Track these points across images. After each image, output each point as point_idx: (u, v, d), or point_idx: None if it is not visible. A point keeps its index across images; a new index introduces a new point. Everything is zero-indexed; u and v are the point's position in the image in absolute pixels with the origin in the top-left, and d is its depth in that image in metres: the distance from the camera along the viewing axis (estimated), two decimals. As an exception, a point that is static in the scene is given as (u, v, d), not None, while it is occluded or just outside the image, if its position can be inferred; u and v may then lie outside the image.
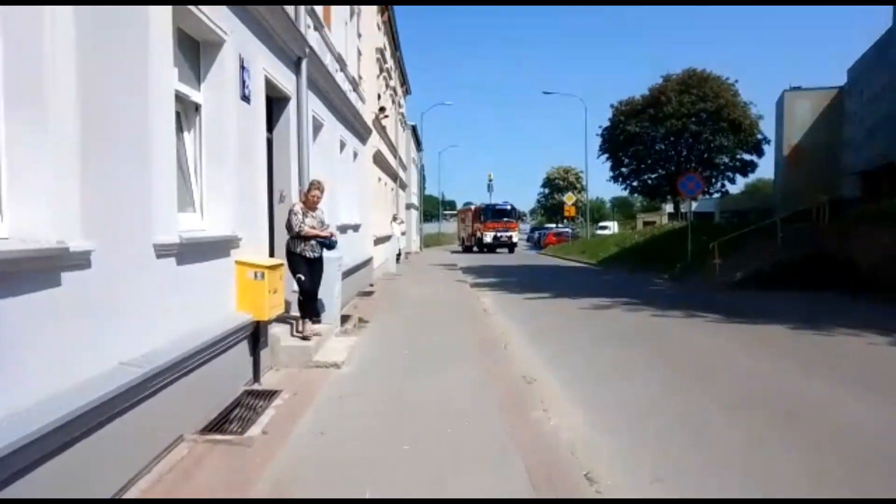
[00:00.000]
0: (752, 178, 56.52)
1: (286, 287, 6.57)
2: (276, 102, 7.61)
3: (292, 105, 7.75)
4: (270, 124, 7.51)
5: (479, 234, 40.22)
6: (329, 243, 7.05)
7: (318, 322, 7.25)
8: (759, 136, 46.18)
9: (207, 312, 4.86)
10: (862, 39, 79.08)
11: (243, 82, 5.84)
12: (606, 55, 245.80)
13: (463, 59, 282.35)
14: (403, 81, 29.69)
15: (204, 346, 4.42)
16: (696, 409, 5.52)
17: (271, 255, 6.97)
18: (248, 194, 5.98)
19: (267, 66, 6.68)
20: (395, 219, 22.94)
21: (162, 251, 4.10)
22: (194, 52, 5.32)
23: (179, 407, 4.12)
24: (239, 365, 5.45)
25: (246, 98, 5.93)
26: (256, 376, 5.75)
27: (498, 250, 39.36)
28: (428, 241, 50.10)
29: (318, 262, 7.12)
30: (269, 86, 6.89)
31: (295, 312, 7.08)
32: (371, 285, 14.79)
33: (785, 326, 9.86)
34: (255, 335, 5.75)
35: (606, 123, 49.74)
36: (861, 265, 14.50)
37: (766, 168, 73.30)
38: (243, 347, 5.52)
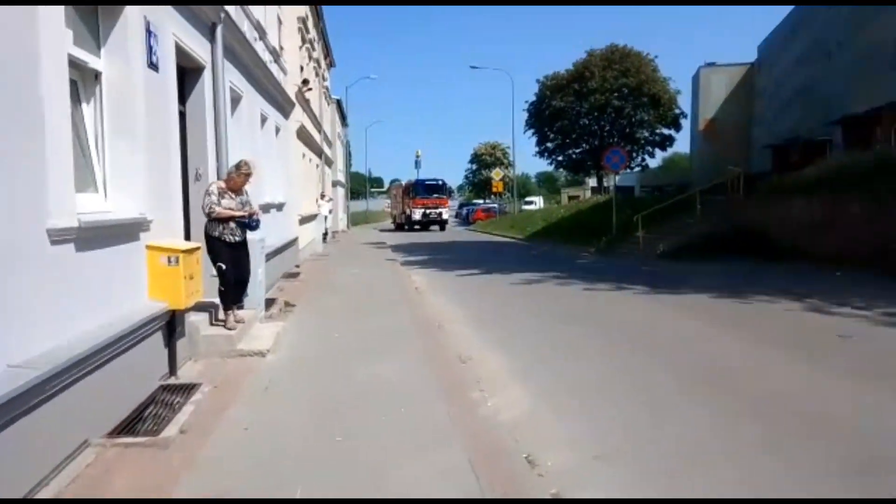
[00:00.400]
0: (669, 152, 58.68)
1: (205, 271, 6.13)
2: (188, 72, 7.03)
3: (207, 75, 7.19)
4: (183, 96, 6.94)
5: (408, 211, 38.77)
6: (250, 223, 6.53)
7: (241, 308, 6.82)
8: (677, 111, 47.82)
9: (115, 303, 4.42)
10: (771, 15, 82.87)
11: (150, 48, 5.30)
12: (533, 28, 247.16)
13: (388, 33, 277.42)
14: (327, 53, 28.70)
15: (110, 340, 4.00)
16: (633, 381, 5.55)
17: (187, 238, 6.48)
18: (158, 172, 5.48)
19: (177, 31, 6.12)
20: (322, 197, 22.30)
21: (57, 237, 3.64)
22: (92, 12, 4.76)
23: (83, 409, 3.71)
24: (153, 358, 5.02)
25: (154, 66, 5.39)
26: (173, 369, 5.33)
27: (431, 228, 38.12)
28: (356, 220, 49.33)
29: (242, 246, 6.58)
30: (181, 53, 6.34)
31: (213, 299, 6.63)
32: (297, 267, 14.29)
33: (707, 295, 10.22)
34: (171, 325, 5.32)
35: (533, 98, 50.17)
36: (774, 235, 15.25)
37: (683, 142, 76.36)
38: (157, 339, 5.10)
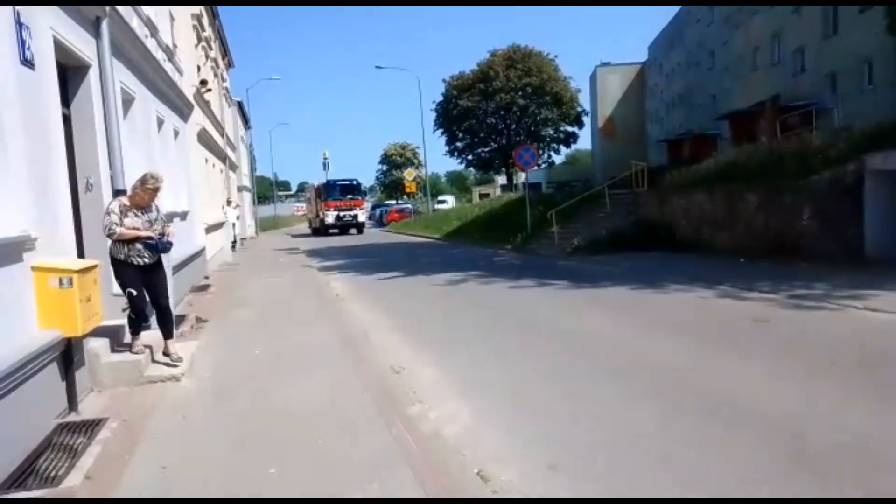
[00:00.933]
0: (572, 149, 60.72)
1: (104, 291, 5.48)
2: (72, 71, 6.30)
3: (94, 74, 6.47)
4: (67, 98, 6.21)
5: (321, 214, 35.78)
6: (158, 245, 5.66)
7: (147, 328, 6.15)
8: (579, 109, 49.49)
9: (-5, 336, 3.79)
10: (660, 17, 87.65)
11: (23, 42, 4.63)
12: (436, 28, 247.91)
13: (289, 31, 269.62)
14: (225, 53, 27.39)
15: (-8, 382, 3.41)
16: (572, 382, 5.47)
17: (81, 255, 5.78)
18: (41, 184, 4.81)
19: (55, 24, 5.43)
20: (228, 203, 21.20)
21: (-84, 264, 3.04)
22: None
23: (-39, 467, 3.12)
24: (47, 394, 4.39)
25: (28, 62, 4.72)
26: (73, 404, 4.70)
27: (351, 231, 35.61)
28: (264, 225, 47.43)
29: (154, 268, 5.77)
30: (61, 50, 5.63)
31: (115, 321, 5.96)
32: (206, 278, 13.43)
33: (627, 287, 10.46)
34: (68, 354, 4.69)
35: (440, 98, 50.38)
36: (678, 228, 15.94)
37: (584, 139, 79.41)
38: (52, 372, 4.46)
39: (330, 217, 35.02)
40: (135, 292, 5.58)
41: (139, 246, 5.56)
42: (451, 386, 5.49)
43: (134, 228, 5.52)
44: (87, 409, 4.83)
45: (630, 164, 20.89)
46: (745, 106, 28.92)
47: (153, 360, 5.91)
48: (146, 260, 5.64)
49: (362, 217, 36.63)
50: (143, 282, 5.66)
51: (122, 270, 5.59)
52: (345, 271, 15.53)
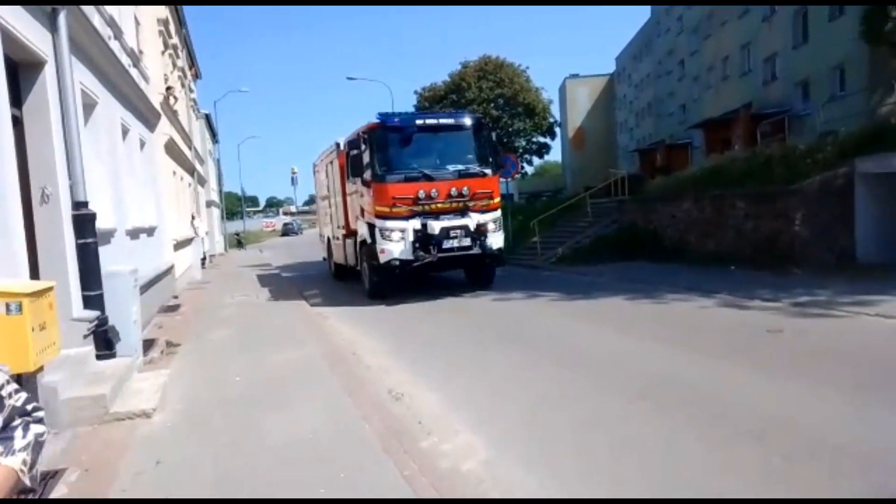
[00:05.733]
0: (543, 159, 60.77)
1: (62, 315, 4.78)
2: (24, 68, 5.61)
3: (50, 72, 5.78)
4: (19, 97, 5.53)
5: (361, 225, 11.88)
6: None
7: (113, 356, 5.45)
8: (552, 119, 49.53)
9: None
10: (626, 28, 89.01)
11: (-38, 28, 3.98)
12: (407, 39, 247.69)
13: (258, 43, 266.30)
14: (192, 63, 26.51)
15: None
16: (588, 404, 4.95)
17: (35, 276, 5.08)
18: (-14, 192, 4.15)
19: (2, 11, 4.77)
20: (194, 218, 20.29)
21: None
22: None
23: None
24: (-8, 443, 3.70)
25: (-30, 52, 4.07)
26: (24, 452, 4.00)
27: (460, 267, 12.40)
28: (233, 242, 46.05)
29: None
30: (9, 41, 4.96)
31: (76, 348, 5.25)
32: (175, 297, 12.61)
33: (622, 298, 10.04)
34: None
35: (412, 110, 49.86)
36: (662, 235, 15.68)
37: (554, 150, 79.81)
38: (-2, 415, 3.77)
39: (392, 239, 10.73)
40: None
41: None
42: (457, 414, 4.90)
43: None
44: (43, 456, 4.11)
45: (604, 174, 20.71)
46: (716, 115, 29.11)
47: (120, 393, 5.21)
48: None
49: (496, 236, 11.21)
50: None
51: None
52: (320, 285, 14.79)
